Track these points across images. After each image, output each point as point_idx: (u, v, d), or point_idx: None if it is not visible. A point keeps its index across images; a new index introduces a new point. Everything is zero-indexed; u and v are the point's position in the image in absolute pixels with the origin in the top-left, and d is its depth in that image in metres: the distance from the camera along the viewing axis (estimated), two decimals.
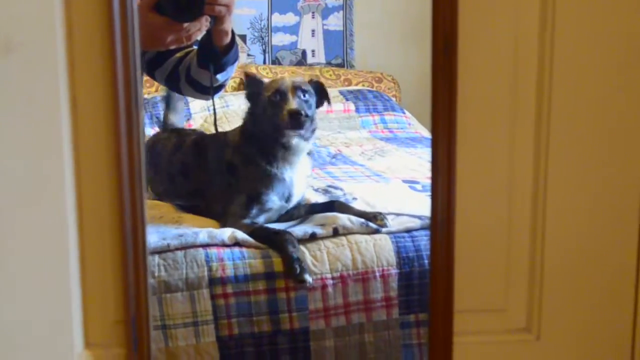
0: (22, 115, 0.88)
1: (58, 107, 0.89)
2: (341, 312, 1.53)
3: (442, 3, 0.90)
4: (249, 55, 3.70)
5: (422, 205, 1.72)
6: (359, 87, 3.53)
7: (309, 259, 1.53)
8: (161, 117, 3.03)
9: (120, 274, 0.93)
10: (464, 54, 0.92)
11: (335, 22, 3.78)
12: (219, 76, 1.62)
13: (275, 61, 3.74)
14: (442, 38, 0.90)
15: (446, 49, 0.90)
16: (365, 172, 2.29)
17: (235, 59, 1.64)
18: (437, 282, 0.97)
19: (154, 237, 1.51)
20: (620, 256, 0.99)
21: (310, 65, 3.74)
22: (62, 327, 0.93)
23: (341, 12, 3.77)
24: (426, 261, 1.56)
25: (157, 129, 2.24)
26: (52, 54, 0.87)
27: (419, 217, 1.65)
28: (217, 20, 1.50)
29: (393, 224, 1.63)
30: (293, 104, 1.61)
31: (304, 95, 1.65)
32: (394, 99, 3.50)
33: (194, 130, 2.08)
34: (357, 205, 1.74)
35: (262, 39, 3.72)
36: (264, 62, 3.72)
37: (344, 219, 1.62)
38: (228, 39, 1.57)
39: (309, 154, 1.73)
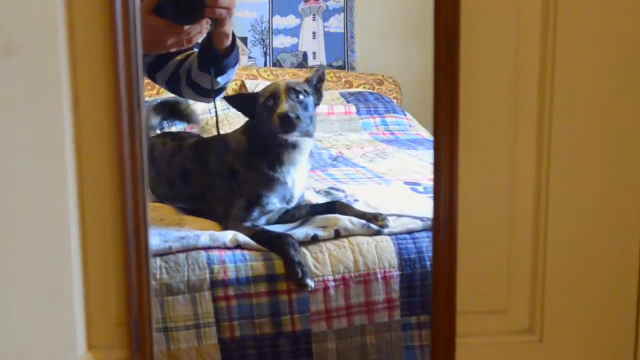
0: (24, 116, 0.88)
1: (60, 108, 0.89)
2: (343, 314, 1.53)
3: (444, 1, 0.90)
4: (249, 57, 3.70)
5: (423, 206, 1.72)
6: (360, 89, 3.53)
7: (310, 261, 1.53)
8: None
9: (122, 275, 0.93)
10: (466, 52, 0.91)
11: (336, 24, 3.78)
12: (219, 79, 1.62)
13: (276, 63, 3.74)
14: (444, 36, 0.90)
15: (448, 48, 0.90)
16: (367, 174, 2.29)
17: (236, 61, 1.64)
18: (439, 283, 0.96)
19: (155, 239, 1.51)
20: (622, 257, 0.99)
21: (311, 67, 3.74)
22: (65, 329, 0.93)
23: (342, 14, 3.78)
24: (428, 263, 1.56)
25: (157, 132, 2.24)
26: (54, 54, 0.87)
27: (421, 219, 1.65)
28: (218, 22, 1.50)
29: (395, 225, 1.63)
30: (284, 107, 1.58)
31: (298, 97, 1.62)
32: (395, 101, 3.50)
33: (189, 134, 2.08)
34: (359, 206, 1.74)
35: (263, 41, 3.72)
36: (265, 65, 3.73)
37: (345, 220, 1.62)
38: (229, 42, 1.57)
39: (310, 153, 1.71)
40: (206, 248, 1.52)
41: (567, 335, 1.01)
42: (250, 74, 3.49)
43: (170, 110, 1.93)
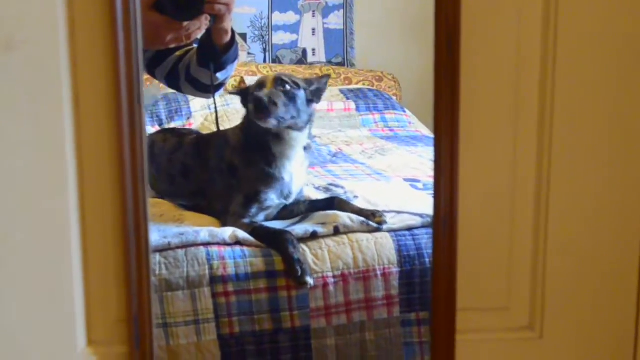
0: (25, 114, 0.88)
1: (60, 105, 0.89)
2: (342, 310, 1.53)
3: None
4: (249, 54, 3.70)
5: (423, 203, 1.72)
6: (360, 85, 3.53)
7: (310, 258, 1.53)
8: (162, 115, 3.03)
9: (122, 272, 0.93)
10: (467, 50, 0.91)
11: (335, 20, 3.77)
12: (219, 75, 1.62)
13: (276, 60, 3.73)
14: (445, 33, 0.90)
15: (449, 44, 0.90)
16: (366, 170, 2.29)
17: (235, 57, 1.64)
18: (439, 280, 0.97)
19: (155, 235, 1.51)
20: (622, 254, 0.99)
21: (311, 64, 3.74)
22: (65, 325, 0.93)
23: (341, 10, 3.77)
24: (427, 259, 1.56)
25: (157, 128, 2.24)
26: (54, 51, 0.87)
27: (420, 215, 1.65)
28: (217, 19, 1.50)
29: (394, 222, 1.63)
30: (262, 92, 1.54)
31: (284, 86, 1.58)
32: (394, 97, 3.50)
33: (190, 130, 2.07)
34: (358, 203, 1.74)
35: (263, 37, 3.71)
36: (265, 61, 3.72)
37: (344, 217, 1.62)
38: (228, 38, 1.57)
39: (306, 149, 1.71)
40: (206, 244, 1.52)
41: (567, 332, 1.01)
42: (249, 70, 3.49)
43: None
